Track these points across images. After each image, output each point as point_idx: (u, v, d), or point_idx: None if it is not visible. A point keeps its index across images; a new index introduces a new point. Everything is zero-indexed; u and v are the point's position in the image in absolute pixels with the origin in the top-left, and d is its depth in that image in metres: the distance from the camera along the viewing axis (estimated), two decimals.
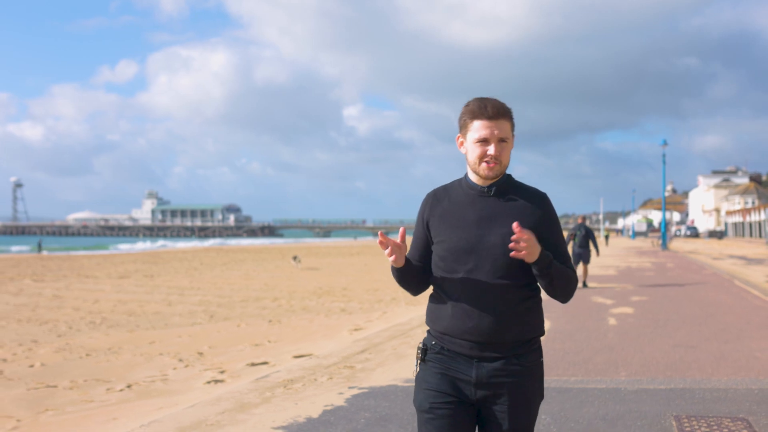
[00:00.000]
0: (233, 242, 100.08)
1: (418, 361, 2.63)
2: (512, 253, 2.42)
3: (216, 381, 7.58)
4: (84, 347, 9.98)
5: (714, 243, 63.83)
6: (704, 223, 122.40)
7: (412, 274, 2.65)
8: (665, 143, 46.36)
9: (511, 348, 2.51)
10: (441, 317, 2.58)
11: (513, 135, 2.60)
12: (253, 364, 8.46)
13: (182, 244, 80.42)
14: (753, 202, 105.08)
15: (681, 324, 10.20)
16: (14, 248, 60.78)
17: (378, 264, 31.76)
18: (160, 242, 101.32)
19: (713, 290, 15.55)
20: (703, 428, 4.75)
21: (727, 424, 4.86)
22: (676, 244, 55.15)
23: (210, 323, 12.56)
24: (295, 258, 30.76)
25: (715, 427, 4.77)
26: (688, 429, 4.75)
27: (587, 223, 17.41)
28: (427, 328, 2.67)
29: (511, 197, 2.59)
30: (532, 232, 2.45)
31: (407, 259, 2.63)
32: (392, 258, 2.55)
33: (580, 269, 16.53)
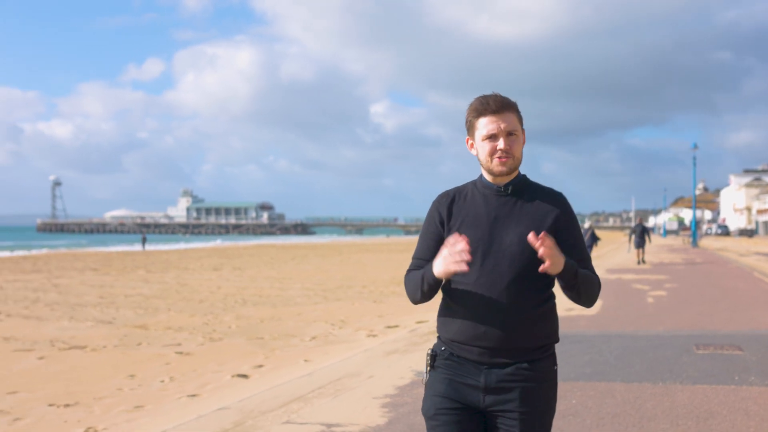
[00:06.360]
0: (272, 240, 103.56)
1: (428, 369, 2.57)
2: (541, 267, 2.32)
3: (373, 336, 10.85)
4: (253, 317, 13.32)
5: (743, 241, 66.03)
6: (735, 221, 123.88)
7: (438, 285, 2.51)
8: (696, 147, 48.75)
9: (523, 354, 2.44)
10: (451, 323, 2.51)
11: (522, 129, 2.53)
12: (389, 327, 11.73)
13: (239, 242, 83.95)
14: None
15: (703, 302, 13.31)
16: (112, 248, 62.34)
17: None
18: (217, 240, 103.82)
19: (733, 279, 18.58)
20: (710, 349, 7.95)
21: (727, 347, 8.05)
22: (705, 242, 57.48)
23: (327, 303, 15.83)
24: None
25: (719, 349, 7.97)
26: (702, 349, 7.98)
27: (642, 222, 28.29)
28: (437, 334, 2.62)
29: (528, 196, 2.52)
30: (552, 239, 2.34)
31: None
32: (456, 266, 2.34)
33: (639, 253, 26.37)
